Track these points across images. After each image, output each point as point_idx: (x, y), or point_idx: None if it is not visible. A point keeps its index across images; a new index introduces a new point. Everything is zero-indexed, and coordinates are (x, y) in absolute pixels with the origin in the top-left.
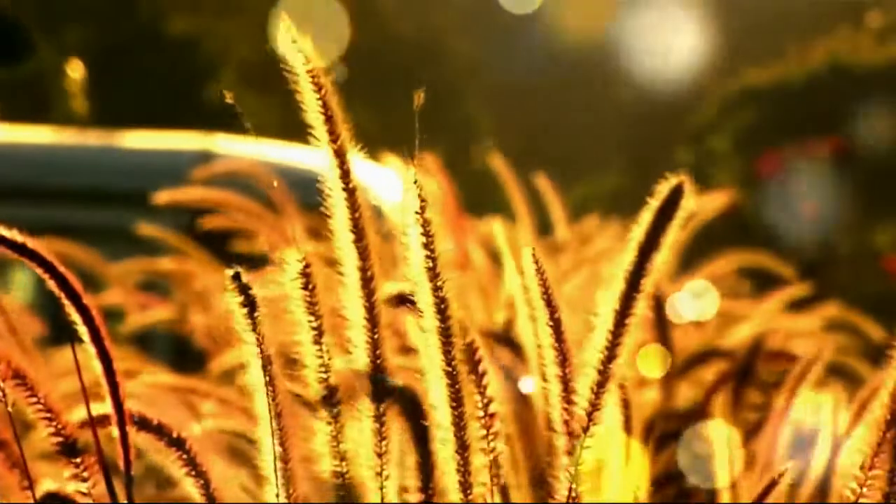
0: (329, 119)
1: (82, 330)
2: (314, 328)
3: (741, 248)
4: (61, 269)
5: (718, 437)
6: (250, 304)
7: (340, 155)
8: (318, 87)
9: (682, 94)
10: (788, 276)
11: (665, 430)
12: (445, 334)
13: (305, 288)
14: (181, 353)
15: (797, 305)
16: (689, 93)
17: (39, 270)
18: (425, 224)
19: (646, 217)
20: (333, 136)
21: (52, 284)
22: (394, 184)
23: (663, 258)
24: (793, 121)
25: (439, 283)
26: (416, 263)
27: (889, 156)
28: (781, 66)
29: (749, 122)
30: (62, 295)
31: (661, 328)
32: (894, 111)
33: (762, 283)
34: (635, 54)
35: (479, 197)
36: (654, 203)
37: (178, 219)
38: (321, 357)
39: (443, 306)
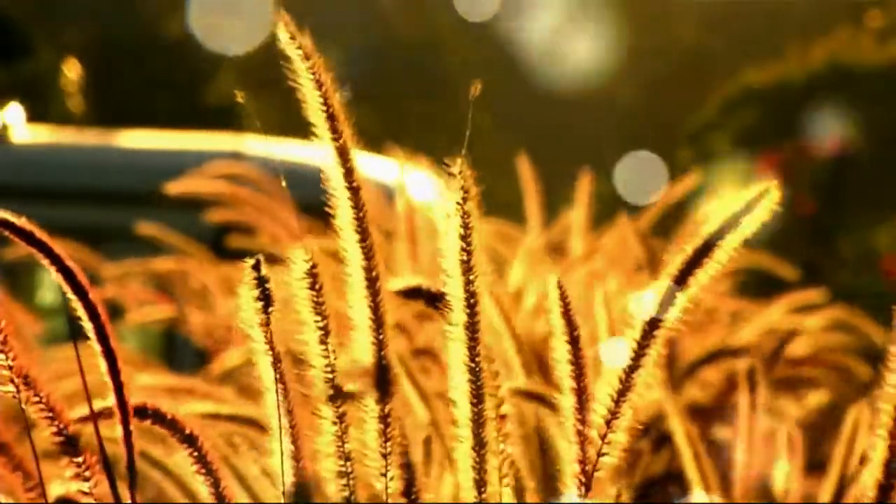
0: (331, 117)
1: (88, 327)
2: (320, 328)
3: (742, 248)
4: (68, 262)
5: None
6: (266, 297)
7: (343, 153)
8: (320, 85)
9: (682, 93)
10: (789, 276)
11: (665, 430)
12: (472, 329)
13: (312, 288)
14: (205, 359)
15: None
16: (690, 93)
17: (46, 262)
18: (465, 216)
19: (698, 232)
20: (336, 134)
21: (58, 277)
22: (397, 179)
23: (705, 280)
24: (793, 121)
25: (472, 277)
26: (450, 255)
27: (889, 156)
28: (781, 66)
29: (749, 122)
30: (68, 289)
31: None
32: (894, 111)
33: (762, 283)
34: (635, 54)
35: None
36: (714, 217)
37: (202, 220)
38: (327, 357)
39: (472, 301)
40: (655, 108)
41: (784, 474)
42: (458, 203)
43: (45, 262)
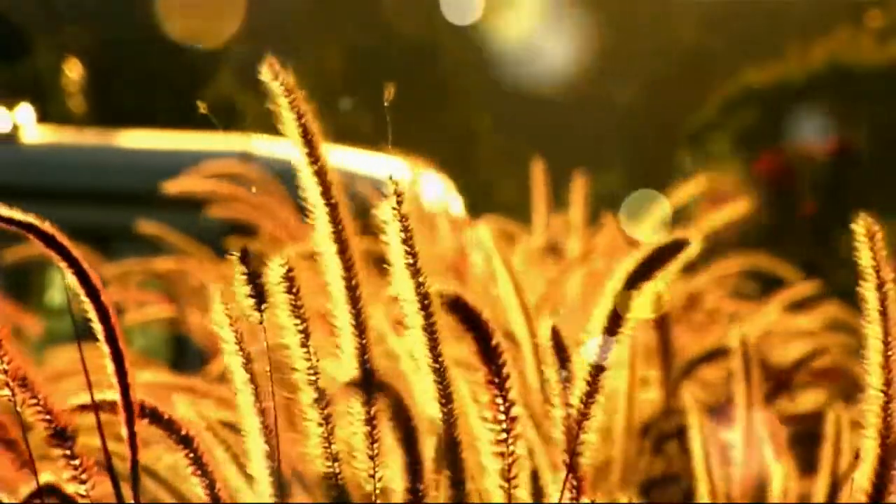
0: (309, 143)
1: (98, 328)
2: (300, 331)
3: (743, 250)
4: (84, 264)
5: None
6: (258, 293)
7: (321, 175)
8: (300, 116)
9: (682, 93)
10: (790, 277)
11: (665, 430)
12: (430, 331)
13: (289, 291)
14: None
15: (798, 305)
16: (690, 93)
17: (63, 264)
18: (403, 220)
19: (648, 245)
20: (313, 158)
21: (72, 279)
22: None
23: (656, 287)
24: (793, 121)
25: (421, 280)
26: (396, 260)
27: (889, 156)
28: (781, 66)
29: (749, 123)
30: (82, 291)
31: (662, 329)
32: (894, 111)
33: (763, 283)
34: (636, 54)
35: (478, 196)
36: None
37: (203, 220)
38: (309, 360)
39: (426, 303)
40: (655, 108)
41: (781, 474)
42: (393, 208)
43: (61, 263)
